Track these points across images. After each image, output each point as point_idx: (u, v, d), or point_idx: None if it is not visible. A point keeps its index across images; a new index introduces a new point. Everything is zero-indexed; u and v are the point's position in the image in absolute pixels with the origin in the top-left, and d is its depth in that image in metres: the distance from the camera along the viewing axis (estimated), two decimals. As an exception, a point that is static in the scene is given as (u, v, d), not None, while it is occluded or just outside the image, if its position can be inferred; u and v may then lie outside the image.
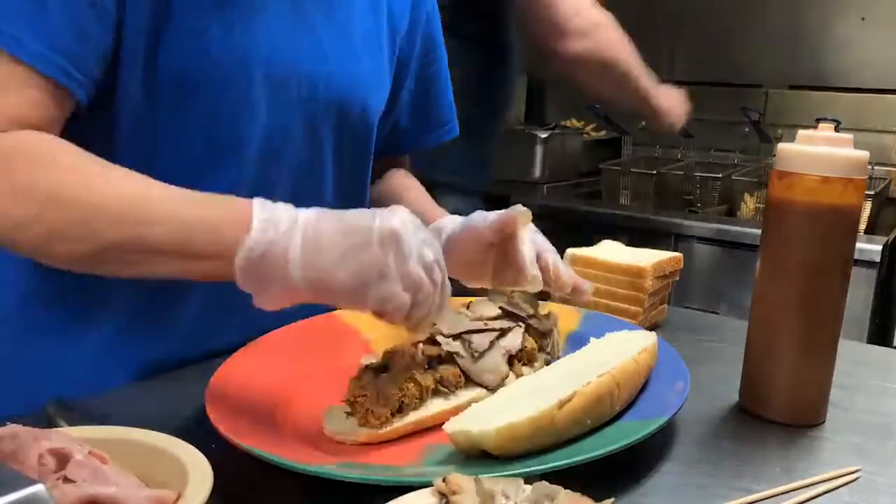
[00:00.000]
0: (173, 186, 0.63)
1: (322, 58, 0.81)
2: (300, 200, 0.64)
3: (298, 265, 0.59)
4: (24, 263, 0.77)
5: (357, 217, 0.61)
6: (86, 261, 0.63)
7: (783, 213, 0.70)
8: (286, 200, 0.63)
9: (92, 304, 0.78)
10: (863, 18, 2.29)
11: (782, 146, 0.70)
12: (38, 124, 0.65)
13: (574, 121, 2.76)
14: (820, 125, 0.69)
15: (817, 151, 0.68)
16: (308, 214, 0.61)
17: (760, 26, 2.44)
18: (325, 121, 0.84)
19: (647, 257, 0.96)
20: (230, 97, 0.74)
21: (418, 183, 1.04)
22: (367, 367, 0.67)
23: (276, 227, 0.60)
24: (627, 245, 1.03)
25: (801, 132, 0.70)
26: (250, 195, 0.63)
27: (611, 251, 1.00)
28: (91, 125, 0.70)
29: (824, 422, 0.71)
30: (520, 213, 0.72)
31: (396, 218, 0.60)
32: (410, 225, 0.61)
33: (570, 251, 0.98)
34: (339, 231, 0.60)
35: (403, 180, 1.03)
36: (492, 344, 0.70)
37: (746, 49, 2.47)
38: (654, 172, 2.25)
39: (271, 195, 0.63)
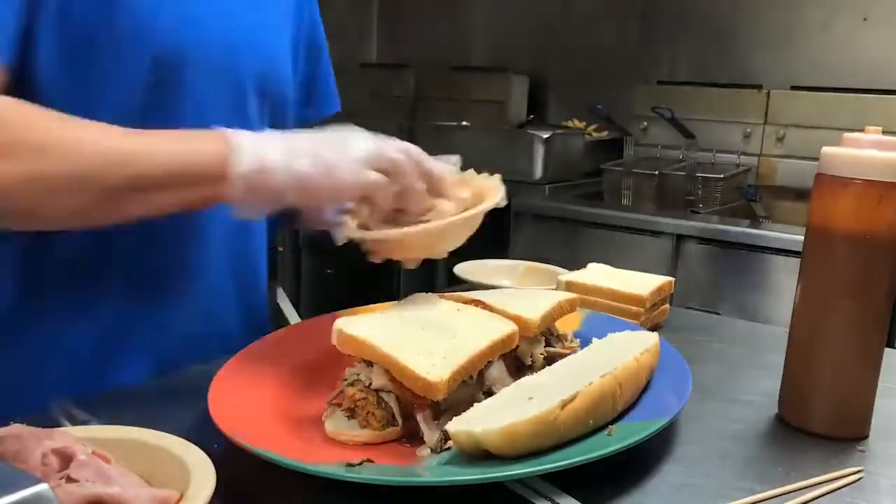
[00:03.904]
0: (144, 130, 0.67)
1: (238, 28, 0.82)
2: None
3: (283, 168, 0.66)
4: (15, 260, 0.76)
5: (326, 133, 0.69)
6: (81, 212, 0.65)
7: (828, 230, 0.67)
8: None
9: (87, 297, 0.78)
10: (865, 19, 2.28)
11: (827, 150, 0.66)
12: None
13: (576, 121, 2.76)
14: (867, 129, 0.66)
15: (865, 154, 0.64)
16: (273, 133, 0.69)
17: (762, 26, 2.44)
18: (249, 93, 0.84)
19: (639, 283, 0.95)
20: (133, 69, 0.73)
21: None
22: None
23: (255, 144, 0.67)
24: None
25: (846, 135, 0.66)
26: None
27: (601, 276, 0.99)
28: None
29: (868, 435, 0.69)
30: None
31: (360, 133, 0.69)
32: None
33: (561, 278, 0.98)
34: (312, 139, 0.68)
35: None
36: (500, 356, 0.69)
37: (748, 49, 2.47)
38: (656, 173, 2.25)
39: None
